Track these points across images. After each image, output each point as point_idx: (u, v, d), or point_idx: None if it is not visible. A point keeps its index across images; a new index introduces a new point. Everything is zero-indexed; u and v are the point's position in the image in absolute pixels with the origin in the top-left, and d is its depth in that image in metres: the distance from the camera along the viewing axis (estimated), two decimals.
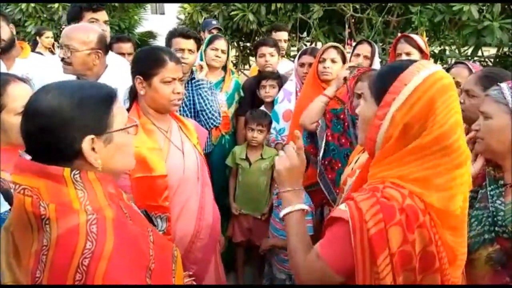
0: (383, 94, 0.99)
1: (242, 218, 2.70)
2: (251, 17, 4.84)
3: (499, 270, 1.25)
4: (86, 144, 0.88)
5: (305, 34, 5.06)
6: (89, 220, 0.85)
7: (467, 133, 1.38)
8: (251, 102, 2.92)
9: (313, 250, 1.05)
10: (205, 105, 2.36)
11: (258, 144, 2.60)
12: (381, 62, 3.23)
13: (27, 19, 6.61)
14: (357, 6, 4.72)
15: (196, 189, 1.76)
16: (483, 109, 1.35)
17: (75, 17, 2.48)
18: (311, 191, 2.35)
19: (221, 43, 2.77)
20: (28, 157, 0.89)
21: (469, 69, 2.04)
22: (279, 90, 2.77)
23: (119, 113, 0.96)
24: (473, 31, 3.63)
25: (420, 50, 2.46)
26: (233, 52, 5.56)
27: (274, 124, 2.66)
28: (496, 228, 1.26)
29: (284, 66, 3.33)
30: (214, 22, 4.10)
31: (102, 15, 2.56)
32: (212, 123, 2.40)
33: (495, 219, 1.27)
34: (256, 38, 5.21)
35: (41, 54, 3.95)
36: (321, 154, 2.25)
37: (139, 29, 7.75)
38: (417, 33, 3.46)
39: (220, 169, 2.73)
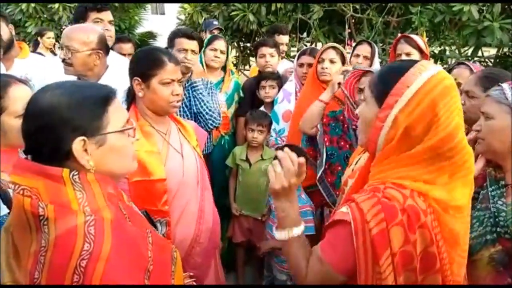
0: (384, 96, 0.98)
1: (243, 218, 2.69)
2: (251, 17, 4.84)
3: (501, 271, 1.25)
4: (77, 145, 0.87)
5: (305, 34, 5.06)
6: (87, 221, 0.84)
7: (467, 134, 1.38)
8: (251, 103, 2.91)
9: (314, 254, 1.04)
10: (201, 107, 2.33)
11: (258, 145, 2.59)
12: (381, 62, 3.23)
13: (28, 19, 6.62)
14: (357, 7, 4.72)
15: (195, 192, 1.73)
16: (484, 110, 1.34)
17: (80, 17, 2.49)
18: (311, 192, 2.35)
19: (220, 44, 2.76)
20: (24, 156, 0.89)
21: (471, 69, 2.03)
22: (279, 90, 2.76)
23: (116, 114, 0.94)
24: (473, 31, 3.63)
25: (420, 51, 2.45)
26: (233, 53, 5.56)
27: (273, 124, 2.66)
28: (498, 229, 1.26)
29: (284, 66, 3.33)
30: (215, 22, 4.11)
31: (107, 15, 2.56)
32: (211, 124, 2.37)
33: (497, 219, 1.27)
34: (256, 38, 5.21)
35: (42, 54, 3.94)
36: (324, 161, 2.24)
37: (139, 30, 7.77)
38: (417, 34, 3.46)
39: (220, 170, 2.72)
